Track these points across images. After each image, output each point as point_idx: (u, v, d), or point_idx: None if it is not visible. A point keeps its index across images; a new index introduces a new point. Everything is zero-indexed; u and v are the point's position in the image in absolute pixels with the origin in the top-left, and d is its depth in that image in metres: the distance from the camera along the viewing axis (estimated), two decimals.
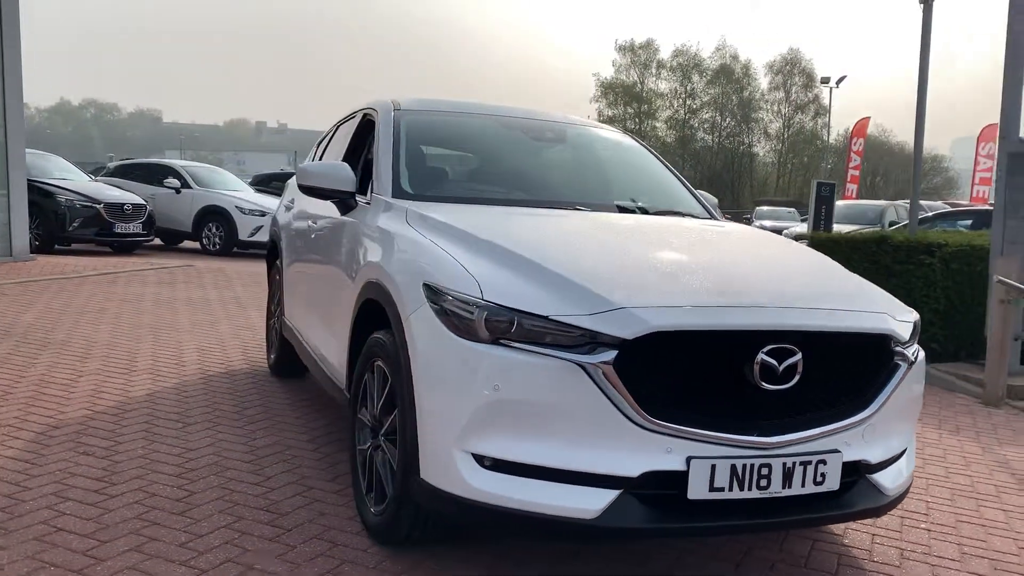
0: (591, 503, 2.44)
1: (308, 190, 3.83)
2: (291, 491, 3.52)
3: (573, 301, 2.50)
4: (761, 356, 2.49)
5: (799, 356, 2.54)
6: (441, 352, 2.59)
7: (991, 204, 14.40)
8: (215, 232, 15.23)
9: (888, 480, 2.83)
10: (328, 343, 3.87)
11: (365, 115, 4.49)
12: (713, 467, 2.47)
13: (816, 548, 3.24)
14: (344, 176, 3.73)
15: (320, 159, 5.36)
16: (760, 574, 2.99)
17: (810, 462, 2.57)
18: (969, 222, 12.69)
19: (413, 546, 2.98)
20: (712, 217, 4.09)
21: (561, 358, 2.43)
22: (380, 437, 3.03)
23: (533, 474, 2.48)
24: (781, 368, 2.51)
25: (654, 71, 68.60)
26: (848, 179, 34.21)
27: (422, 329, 2.67)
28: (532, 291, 2.55)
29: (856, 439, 2.70)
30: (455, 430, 2.52)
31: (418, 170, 3.78)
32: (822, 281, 2.95)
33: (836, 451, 2.63)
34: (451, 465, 2.54)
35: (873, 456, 2.76)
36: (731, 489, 2.49)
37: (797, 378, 2.55)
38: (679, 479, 2.47)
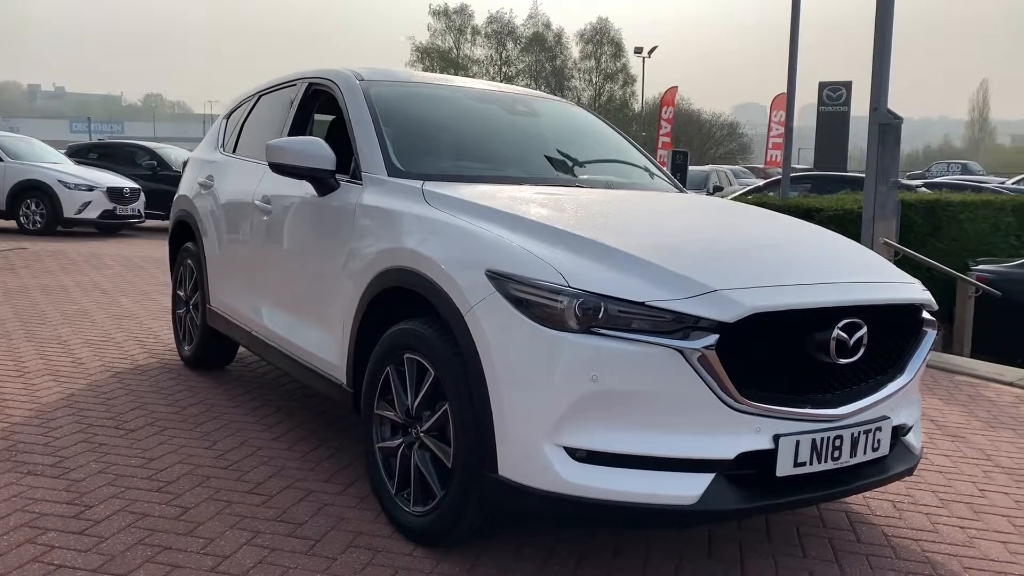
0: (689, 488, 2.41)
1: (279, 168, 3.51)
2: (292, 497, 3.26)
3: (663, 285, 2.44)
4: (837, 331, 2.54)
5: (865, 329, 2.61)
6: (524, 344, 2.45)
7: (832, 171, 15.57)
8: (35, 210, 13.76)
9: (915, 440, 3.00)
10: (309, 335, 3.59)
11: (312, 85, 4.17)
12: (797, 443, 2.51)
13: (806, 534, 3.39)
14: (323, 154, 3.44)
15: (239, 136, 4.94)
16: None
17: (870, 430, 2.68)
18: (808, 186, 13.63)
19: (459, 544, 2.84)
20: (680, 190, 4.14)
21: (660, 344, 2.37)
22: (419, 434, 2.86)
23: (627, 463, 2.42)
24: (851, 342, 2.58)
25: (469, 37, 68.66)
26: (659, 146, 35.87)
27: (494, 320, 2.52)
28: (616, 276, 2.46)
29: (897, 404, 2.83)
30: (546, 424, 2.41)
31: (404, 146, 3.55)
32: (854, 256, 3.04)
33: (887, 417, 2.75)
34: (540, 460, 2.43)
35: (906, 419, 2.92)
36: (811, 463, 2.55)
37: (863, 350, 2.63)
38: (766, 457, 2.49)
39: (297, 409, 4.41)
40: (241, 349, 5.34)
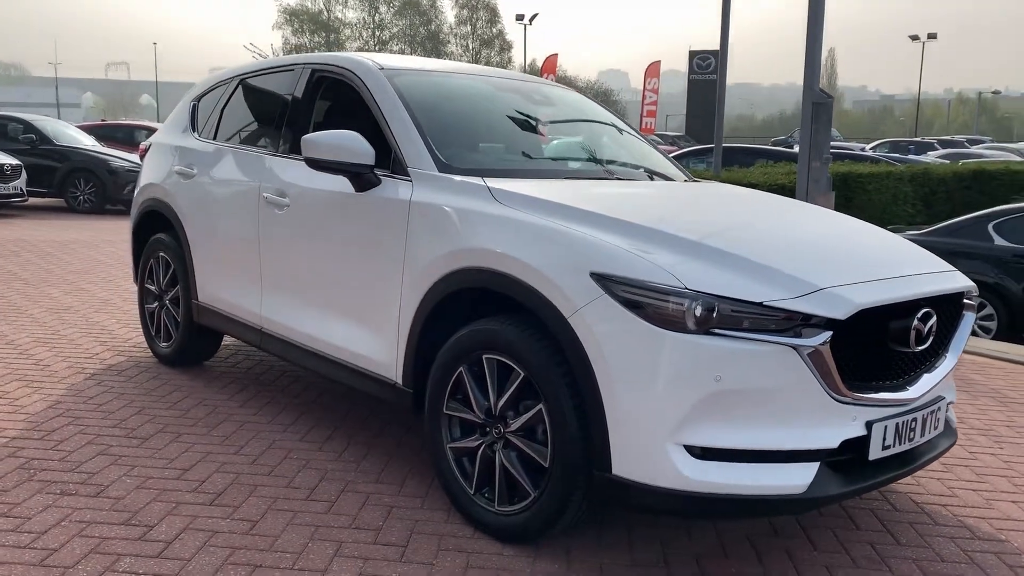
0: (799, 478, 2.53)
1: (316, 163, 3.38)
2: (354, 501, 3.20)
3: (775, 285, 2.52)
4: (915, 321, 2.71)
5: (935, 318, 2.79)
6: (641, 346, 2.49)
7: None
8: None
9: (954, 416, 3.23)
10: (348, 333, 3.50)
11: (317, 73, 4.01)
12: (885, 428, 2.67)
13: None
14: (362, 149, 3.34)
15: (219, 122, 4.69)
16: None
17: (934, 410, 2.88)
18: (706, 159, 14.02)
19: (544, 540, 2.88)
20: (689, 177, 4.24)
21: (777, 343, 2.46)
22: (504, 434, 2.86)
23: (741, 458, 2.51)
24: (925, 330, 2.75)
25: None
26: None
27: (605, 322, 2.55)
28: (727, 276, 2.53)
29: (947, 384, 3.04)
30: (669, 424, 2.47)
31: (445, 140, 3.48)
32: (907, 247, 3.22)
33: (943, 397, 2.96)
34: (661, 459, 2.49)
35: (952, 397, 3.14)
36: (894, 445, 2.72)
37: (932, 338, 2.81)
38: (860, 443, 2.64)
39: (306, 405, 4.30)
40: (226, 341, 5.14)
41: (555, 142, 4.01)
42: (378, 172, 3.40)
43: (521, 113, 3.92)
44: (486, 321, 2.92)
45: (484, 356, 2.91)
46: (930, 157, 23.16)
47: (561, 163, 3.74)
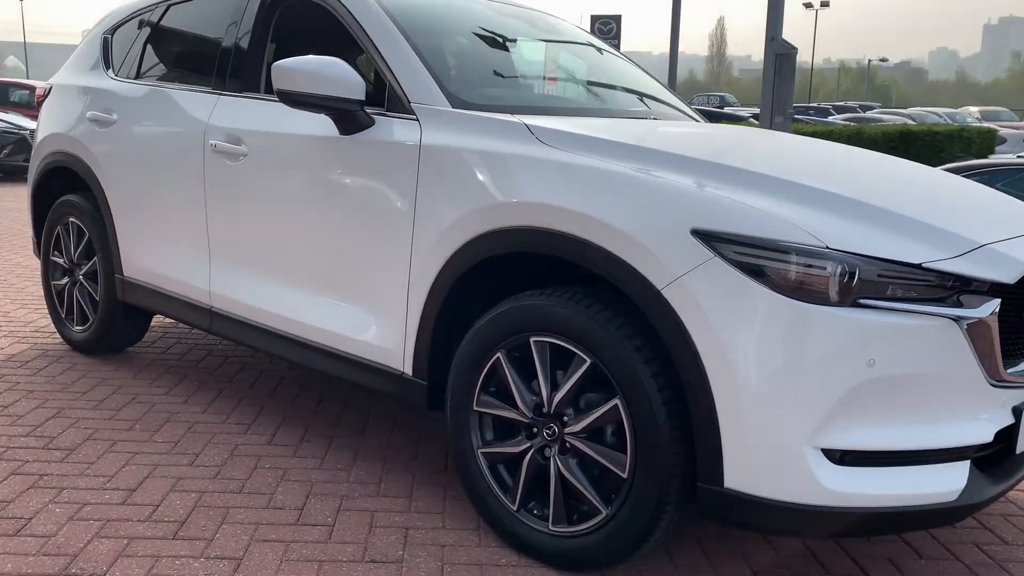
0: (952, 481, 2.03)
1: (290, 98, 2.66)
2: (357, 523, 2.55)
3: (927, 241, 2.00)
4: None
5: None
6: (769, 323, 1.93)
7: None
8: None
9: None
10: (337, 315, 2.82)
11: None
12: None
13: None
14: (350, 79, 2.64)
15: (142, 57, 3.86)
16: None
17: None
18: None
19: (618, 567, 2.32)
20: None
21: (938, 315, 1.94)
22: (562, 436, 2.27)
23: (887, 461, 2.00)
24: None
25: None
26: None
27: (716, 295, 1.97)
28: (871, 233, 1.99)
29: None
30: (808, 424, 1.93)
31: (451, 70, 2.82)
32: (1004, 198, 2.75)
33: None
34: (796, 467, 1.95)
35: None
36: None
37: None
38: (1008, 433, 2.16)
39: (264, 398, 3.58)
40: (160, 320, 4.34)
41: (575, 75, 3.38)
42: (369, 111, 2.71)
43: (531, 42, 3.28)
44: (535, 295, 2.31)
45: (533, 339, 2.30)
46: (835, 119, 23.51)
47: (592, 98, 3.13)
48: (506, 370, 2.37)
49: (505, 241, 2.34)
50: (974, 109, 36.72)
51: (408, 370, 2.63)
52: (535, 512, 2.39)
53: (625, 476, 2.17)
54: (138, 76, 3.83)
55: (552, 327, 2.25)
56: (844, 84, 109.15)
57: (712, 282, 1.97)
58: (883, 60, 58.04)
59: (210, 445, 3.08)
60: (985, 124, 20.68)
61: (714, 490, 2.02)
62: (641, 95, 3.36)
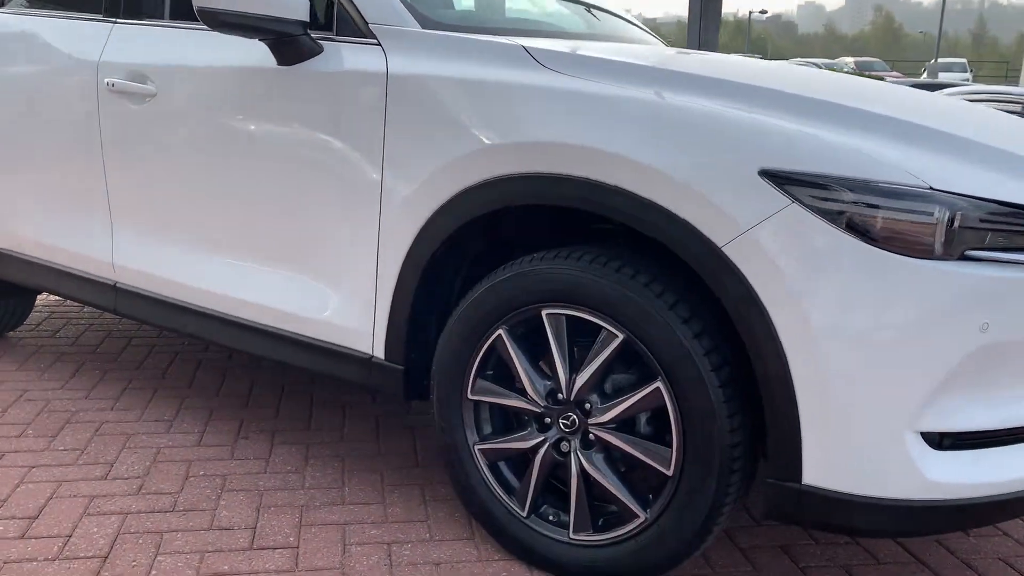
0: None
1: (216, 19, 2.11)
2: (326, 540, 2.10)
3: (1010, 174, 1.67)
4: None
5: None
6: (863, 284, 1.57)
7: None
8: None
9: None
10: (286, 291, 2.32)
11: None
12: None
13: None
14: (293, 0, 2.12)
15: None
16: None
17: None
18: None
19: None
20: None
21: None
22: (584, 426, 1.88)
23: (992, 441, 1.68)
24: None
25: None
26: None
27: (794, 250, 1.59)
28: (975, 172, 1.65)
29: None
30: (908, 404, 1.59)
31: None
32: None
33: None
34: (894, 457, 1.61)
35: None
36: None
37: None
38: None
39: (184, 389, 3.04)
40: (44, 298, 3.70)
41: None
42: (315, 36, 2.20)
43: None
44: (547, 257, 1.88)
45: (546, 312, 1.88)
46: None
47: (570, 20, 2.68)
48: (510, 350, 1.94)
49: (505, 193, 1.89)
50: (849, 60, 37.99)
51: (378, 353, 2.17)
52: (551, 518, 1.99)
53: (670, 473, 1.79)
54: (1, 5, 3.14)
55: (572, 296, 1.83)
56: (722, 38, 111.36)
57: (788, 235, 1.59)
58: (763, 12, 59.06)
59: (126, 451, 2.54)
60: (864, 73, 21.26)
61: (789, 487, 1.67)
62: (618, 16, 2.94)
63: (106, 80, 2.59)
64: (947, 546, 2.19)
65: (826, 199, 1.57)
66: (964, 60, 41.46)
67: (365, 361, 2.20)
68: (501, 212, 1.94)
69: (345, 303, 2.20)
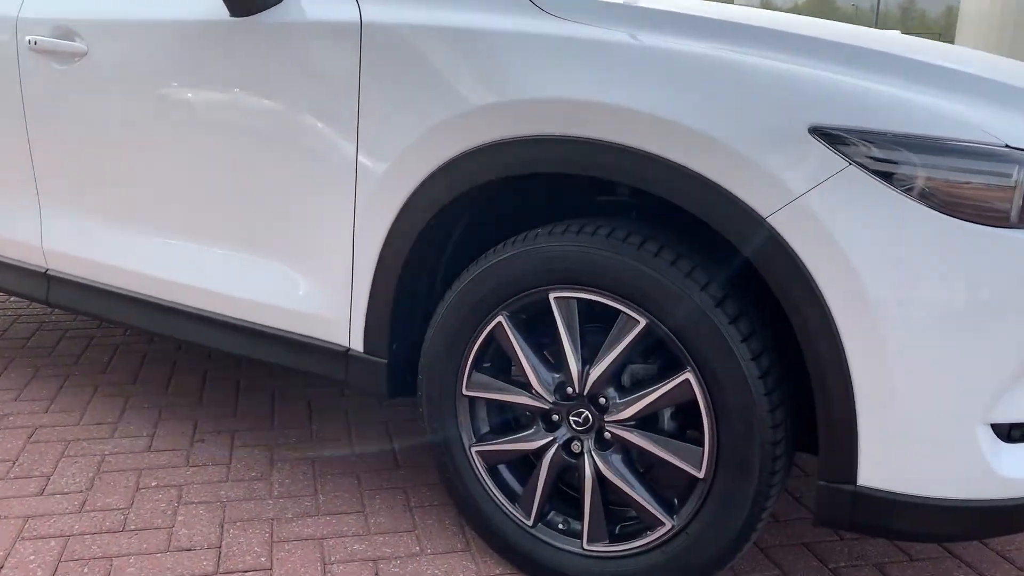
0: None
1: None
2: (303, 559, 1.84)
3: None
4: None
5: None
6: (931, 258, 1.37)
7: None
8: None
9: None
10: (245, 276, 2.04)
11: None
12: None
13: None
14: None
15: None
16: None
17: None
18: None
19: None
20: None
21: None
22: (599, 424, 1.66)
23: None
24: None
25: None
26: None
27: (852, 220, 1.38)
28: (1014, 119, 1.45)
29: None
30: (981, 393, 1.39)
31: None
32: None
33: None
34: (959, 452, 1.42)
35: None
36: None
37: None
38: None
39: (123, 385, 2.74)
40: None
41: None
42: None
43: None
44: (554, 232, 1.64)
45: (554, 295, 1.64)
46: None
47: None
48: (512, 339, 1.71)
49: (503, 160, 1.65)
50: None
51: (357, 345, 1.91)
52: (560, 527, 1.77)
53: (701, 475, 1.58)
54: None
55: (585, 277, 1.60)
56: None
57: (844, 201, 1.38)
58: None
59: (65, 461, 2.24)
60: None
61: (843, 490, 1.47)
62: None
63: (27, 38, 2.25)
64: (982, 539, 2.03)
65: (887, 160, 1.37)
66: (897, 32, 42.19)
67: (341, 355, 1.94)
68: (493, 186, 1.70)
69: (316, 289, 1.93)
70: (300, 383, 2.76)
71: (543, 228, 1.67)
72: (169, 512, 2.01)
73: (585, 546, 1.72)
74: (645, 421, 1.65)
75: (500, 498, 1.80)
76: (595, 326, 1.66)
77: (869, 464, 1.44)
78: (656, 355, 1.66)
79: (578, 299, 1.63)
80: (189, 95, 2.04)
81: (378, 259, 1.82)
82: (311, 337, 1.96)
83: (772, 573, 1.86)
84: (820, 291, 1.40)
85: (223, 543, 1.89)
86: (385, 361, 1.89)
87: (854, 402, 1.42)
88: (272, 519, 2.00)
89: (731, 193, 1.44)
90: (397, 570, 1.82)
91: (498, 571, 1.83)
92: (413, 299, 1.89)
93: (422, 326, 1.86)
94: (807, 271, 1.40)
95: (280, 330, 2.00)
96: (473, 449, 1.81)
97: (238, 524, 1.97)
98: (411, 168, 1.74)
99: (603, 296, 1.60)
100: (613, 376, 1.64)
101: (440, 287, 1.91)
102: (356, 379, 1.94)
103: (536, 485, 1.75)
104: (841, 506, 1.48)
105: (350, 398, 2.67)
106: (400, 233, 1.78)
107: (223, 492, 2.11)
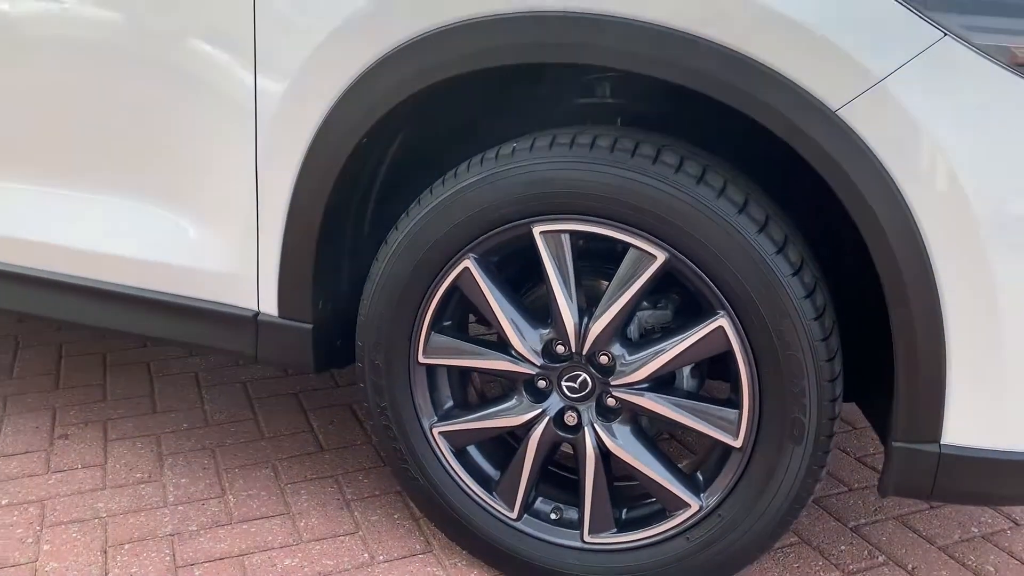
0: None
1: None
2: None
3: None
4: None
5: None
6: None
7: None
8: None
9: None
10: (116, 221, 1.55)
11: None
12: None
13: None
14: None
15: None
16: None
17: None
18: None
19: None
20: None
21: None
22: (604, 388, 1.31)
23: None
24: None
25: None
26: None
27: (951, 109, 1.07)
28: None
29: None
30: None
31: None
32: None
33: None
34: None
35: None
36: None
37: None
38: None
39: None
40: None
41: None
42: None
43: None
44: (537, 147, 1.25)
45: (540, 229, 1.27)
46: None
47: None
48: (484, 289, 1.32)
49: (468, 49, 1.23)
50: None
51: (269, 308, 1.48)
52: (552, 517, 1.42)
53: (738, 444, 1.26)
54: None
55: (582, 204, 1.23)
56: None
57: (936, 84, 1.06)
58: None
59: None
60: None
61: (924, 452, 1.18)
62: None
63: None
64: None
65: (995, 30, 1.05)
66: None
67: (248, 321, 1.50)
68: (440, 97, 1.30)
69: (212, 240, 1.48)
70: (181, 352, 2.28)
71: (520, 141, 1.28)
72: (30, 540, 1.54)
73: (586, 538, 1.38)
74: (664, 382, 1.31)
75: (473, 488, 1.43)
76: (593, 266, 1.31)
77: (958, 420, 1.16)
78: (668, 300, 1.33)
79: (572, 232, 1.26)
80: (39, 6, 1.50)
81: (291, 199, 1.39)
82: (208, 301, 1.51)
83: (789, 540, 1.59)
84: (905, 199, 1.08)
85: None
86: (309, 326, 1.46)
87: (944, 342, 1.12)
88: (172, 535, 1.56)
89: (791, 82, 1.08)
90: None
91: (473, 574, 1.47)
92: (344, 245, 1.47)
93: (359, 278, 1.44)
94: (887, 173, 1.08)
95: (168, 295, 1.53)
96: (435, 430, 1.42)
97: (126, 547, 1.52)
98: (330, 71, 1.30)
99: (606, 227, 1.23)
100: (619, 329, 1.29)
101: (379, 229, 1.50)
102: (270, 351, 1.51)
103: (520, 470, 1.39)
104: (922, 471, 1.19)
105: (246, 367, 2.22)
106: (318, 163, 1.34)
107: (101, 504, 1.65)
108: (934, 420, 1.16)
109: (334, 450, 1.86)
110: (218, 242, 1.47)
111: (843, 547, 1.58)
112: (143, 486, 1.71)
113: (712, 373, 1.45)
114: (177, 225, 1.49)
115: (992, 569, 1.54)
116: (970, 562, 1.55)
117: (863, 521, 1.66)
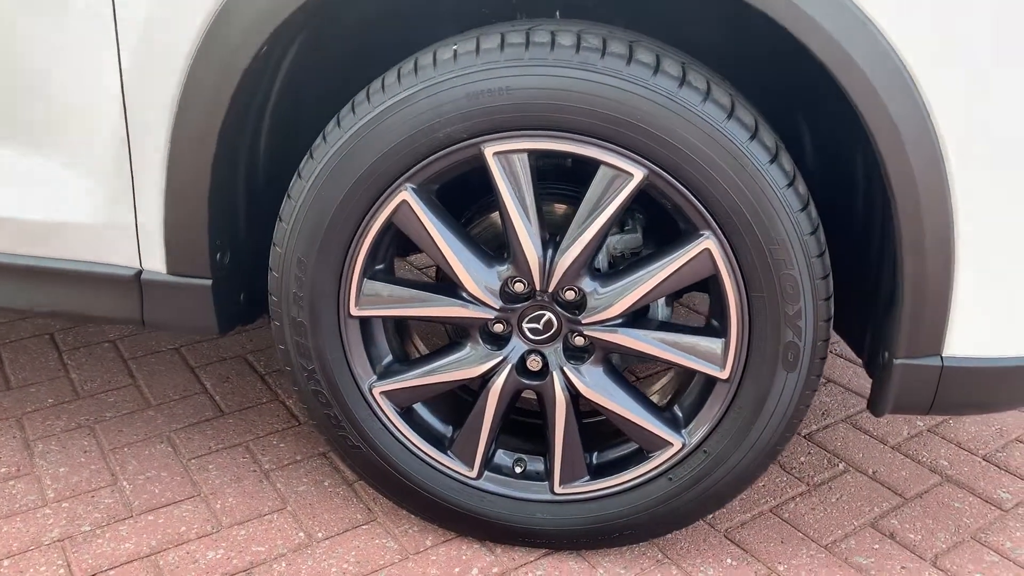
0: None
1: None
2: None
3: None
4: None
5: None
6: None
7: None
8: None
9: None
10: None
11: None
12: None
13: None
14: None
15: None
16: None
17: None
18: None
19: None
20: None
21: None
22: (573, 328, 1.16)
23: None
24: None
25: None
26: None
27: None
28: None
29: None
30: None
31: None
32: None
33: None
34: None
35: None
36: None
37: None
38: None
39: None
40: None
41: None
42: None
43: None
44: (484, 49, 1.04)
45: (493, 150, 1.07)
46: None
47: None
48: (426, 223, 1.12)
49: None
50: None
51: (154, 264, 1.22)
52: (516, 471, 1.28)
53: (724, 375, 1.14)
54: None
55: (541, 117, 1.03)
56: None
57: None
58: None
59: None
60: None
61: (924, 366, 1.10)
62: None
63: None
64: None
65: None
66: None
67: (129, 282, 1.23)
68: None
69: (72, 181, 1.18)
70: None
71: (461, 42, 1.06)
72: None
73: (557, 490, 1.25)
74: (639, 315, 1.17)
75: (424, 450, 1.25)
76: (556, 189, 1.13)
77: (964, 330, 1.08)
78: (635, 221, 1.17)
79: (532, 151, 1.07)
80: None
81: (172, 131, 1.12)
82: (76, 260, 1.22)
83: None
84: (915, 83, 0.96)
85: None
86: (208, 282, 1.21)
87: (953, 248, 1.03)
88: (61, 541, 1.31)
89: None
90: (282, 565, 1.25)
91: (428, 542, 1.31)
92: (239, 182, 1.21)
93: (260, 221, 1.20)
94: (899, 57, 0.95)
95: (27, 257, 1.23)
96: (375, 390, 1.23)
97: (5, 565, 1.26)
98: None
99: (573, 143, 1.05)
100: (589, 260, 1.12)
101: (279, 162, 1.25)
102: (161, 315, 1.25)
103: (479, 425, 1.22)
104: (923, 386, 1.11)
105: (113, 326, 1.92)
106: (204, 83, 1.08)
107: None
108: (937, 334, 1.08)
109: (236, 412, 1.63)
110: (82, 186, 1.18)
111: (803, 458, 1.53)
112: (12, 483, 1.43)
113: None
114: (30, 172, 1.18)
115: (946, 463, 1.53)
116: (924, 458, 1.54)
117: (814, 427, 1.61)
